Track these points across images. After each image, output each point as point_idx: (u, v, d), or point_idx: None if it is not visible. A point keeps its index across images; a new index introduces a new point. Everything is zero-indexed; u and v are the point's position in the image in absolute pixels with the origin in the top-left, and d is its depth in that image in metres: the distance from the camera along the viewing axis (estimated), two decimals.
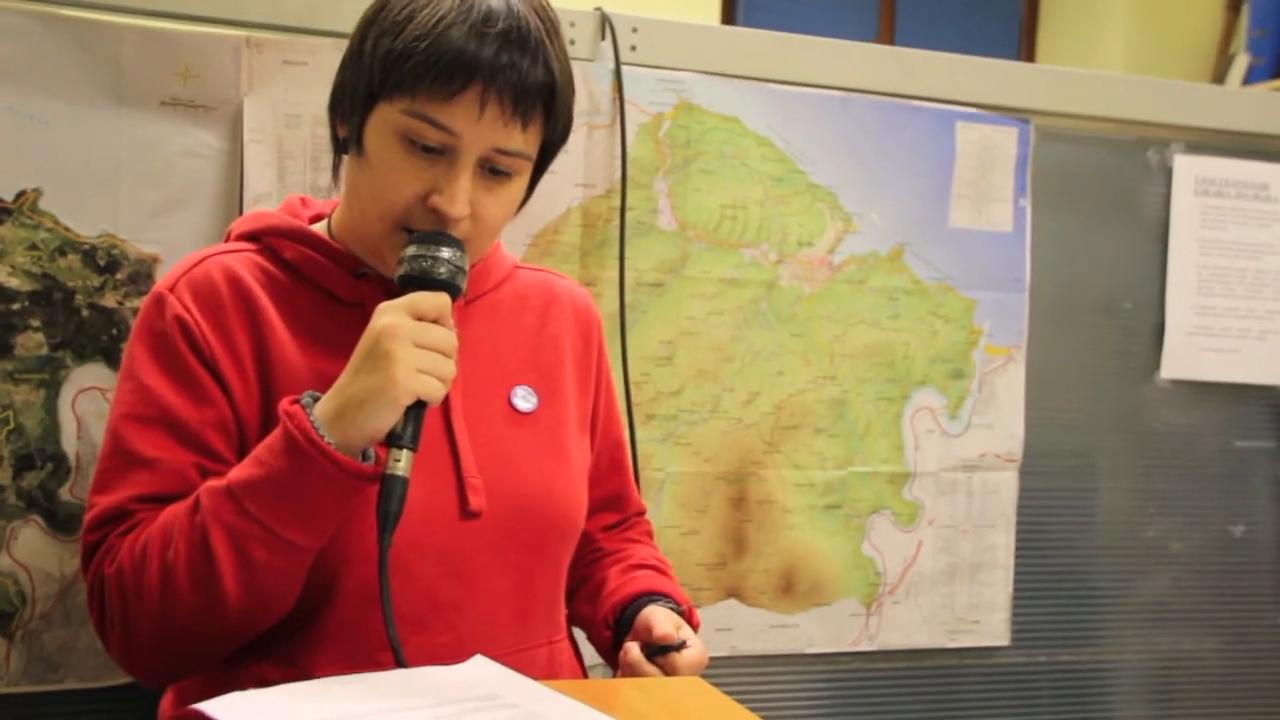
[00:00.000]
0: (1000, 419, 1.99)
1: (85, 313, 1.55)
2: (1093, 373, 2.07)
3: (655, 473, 1.82)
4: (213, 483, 1.14)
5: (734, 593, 1.87)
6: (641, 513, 1.55)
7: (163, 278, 1.27)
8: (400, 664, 1.13)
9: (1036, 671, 2.05)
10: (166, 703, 1.31)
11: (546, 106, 1.22)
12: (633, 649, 1.28)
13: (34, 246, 1.53)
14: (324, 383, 1.17)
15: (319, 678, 1.16)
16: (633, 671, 1.26)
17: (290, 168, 1.61)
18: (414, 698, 1.04)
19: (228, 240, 1.33)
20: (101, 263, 1.55)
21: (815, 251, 1.89)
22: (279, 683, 1.14)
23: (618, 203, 1.77)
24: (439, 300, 1.16)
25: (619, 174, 1.77)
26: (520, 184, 1.26)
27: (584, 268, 1.77)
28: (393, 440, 1.13)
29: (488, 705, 1.05)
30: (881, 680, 1.97)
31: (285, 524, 1.11)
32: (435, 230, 1.20)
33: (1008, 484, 2.00)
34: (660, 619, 1.29)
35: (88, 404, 1.54)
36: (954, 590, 1.99)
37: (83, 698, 1.57)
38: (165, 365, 1.21)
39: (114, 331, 1.55)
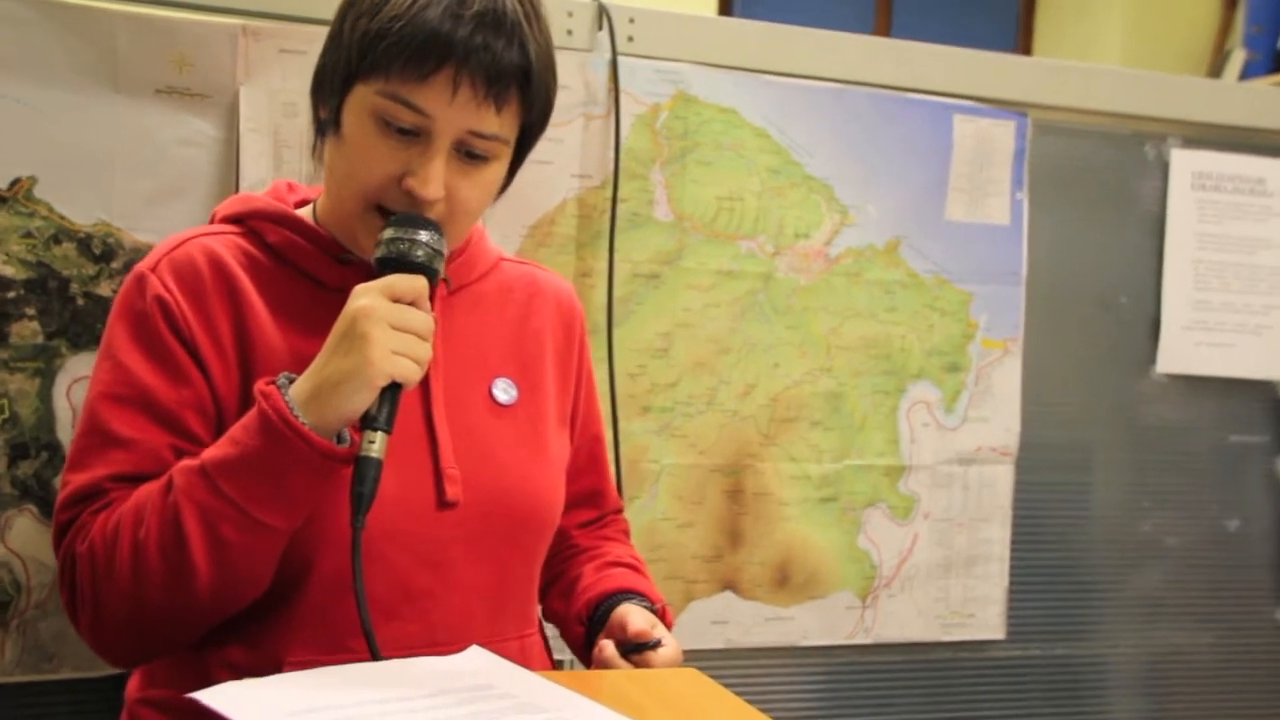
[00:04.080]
0: (996, 412, 1.99)
1: (80, 301, 1.54)
2: (1089, 367, 2.08)
3: (651, 465, 1.82)
4: (186, 462, 1.14)
5: (729, 585, 1.87)
6: (619, 510, 1.54)
7: (145, 258, 1.26)
8: (374, 651, 1.12)
9: (1031, 665, 2.06)
10: (133, 684, 1.30)
11: (522, 89, 1.21)
12: (607, 646, 1.27)
13: (29, 235, 1.52)
14: (304, 367, 1.16)
15: (290, 662, 1.17)
16: (608, 669, 1.25)
17: (287, 157, 1.61)
18: (409, 687, 1.04)
19: (212, 222, 1.33)
20: (97, 251, 1.55)
21: (812, 244, 1.89)
22: (249, 666, 1.15)
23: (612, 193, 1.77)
24: (415, 283, 1.16)
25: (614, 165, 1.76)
26: (498, 169, 1.25)
27: (580, 259, 1.76)
28: (368, 422, 1.12)
29: (483, 695, 1.05)
30: (877, 673, 1.97)
31: (257, 504, 1.11)
32: (413, 213, 1.19)
33: (1003, 477, 2.00)
34: (635, 617, 1.28)
35: (83, 393, 1.51)
36: (949, 583, 1.99)
37: (78, 687, 1.57)
38: (144, 345, 1.21)
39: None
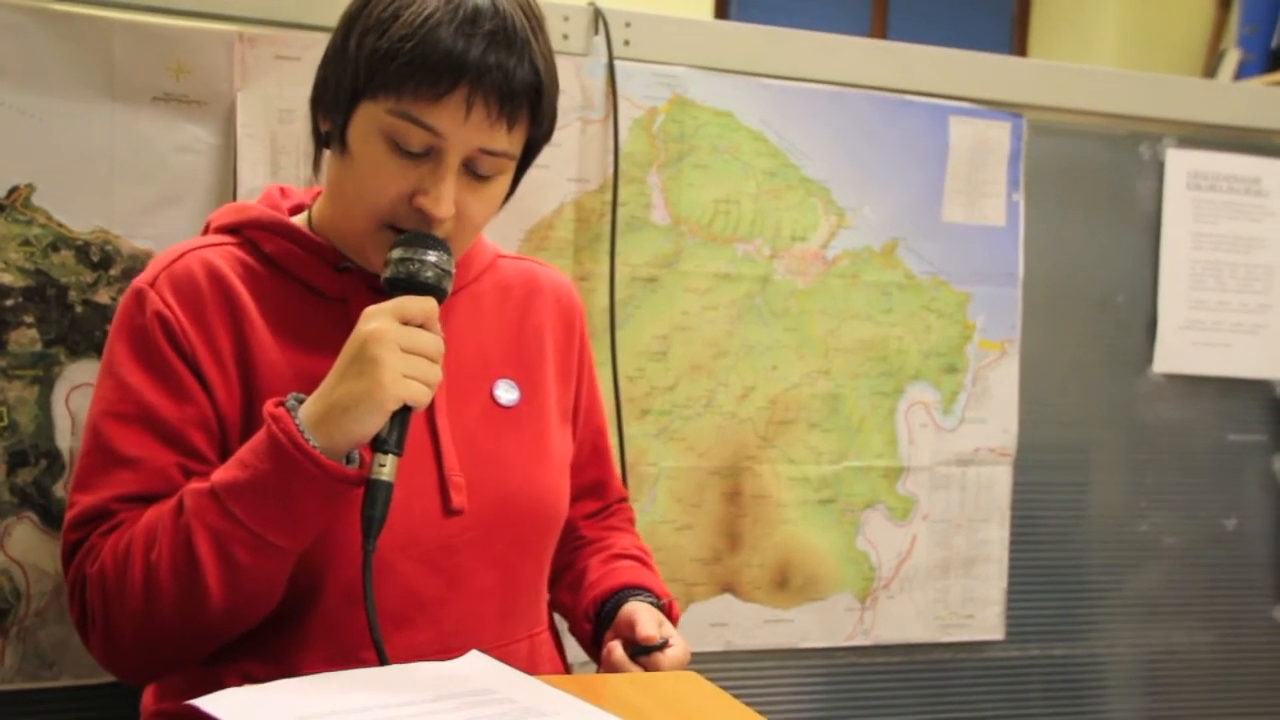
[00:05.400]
0: (994, 413, 2.00)
1: (79, 309, 1.54)
2: (1086, 367, 2.08)
3: (649, 468, 1.82)
4: (196, 484, 1.13)
5: (728, 588, 1.88)
6: (623, 499, 1.55)
7: (143, 272, 1.26)
8: (383, 664, 1.12)
9: (1030, 665, 2.06)
10: (149, 697, 1.31)
11: (532, 106, 1.21)
12: (616, 648, 1.28)
13: (27, 242, 1.52)
14: (306, 379, 1.16)
15: (303, 674, 1.16)
16: (616, 670, 1.26)
17: (283, 163, 1.61)
18: (410, 692, 1.04)
19: (206, 233, 1.32)
20: (95, 259, 1.55)
21: (809, 246, 1.89)
22: (264, 678, 1.14)
23: (611, 197, 1.77)
24: (425, 305, 1.16)
25: (613, 169, 1.77)
26: (504, 182, 1.26)
27: (577, 263, 1.77)
28: (378, 445, 1.12)
29: (483, 700, 1.05)
30: (876, 675, 1.98)
31: (269, 526, 1.11)
32: (421, 233, 1.19)
33: (1001, 478, 2.01)
34: (643, 618, 1.29)
35: (81, 400, 1.53)
36: (948, 584, 1.99)
37: (77, 695, 1.57)
38: (146, 362, 1.20)
39: (107, 328, 1.54)
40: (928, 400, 1.96)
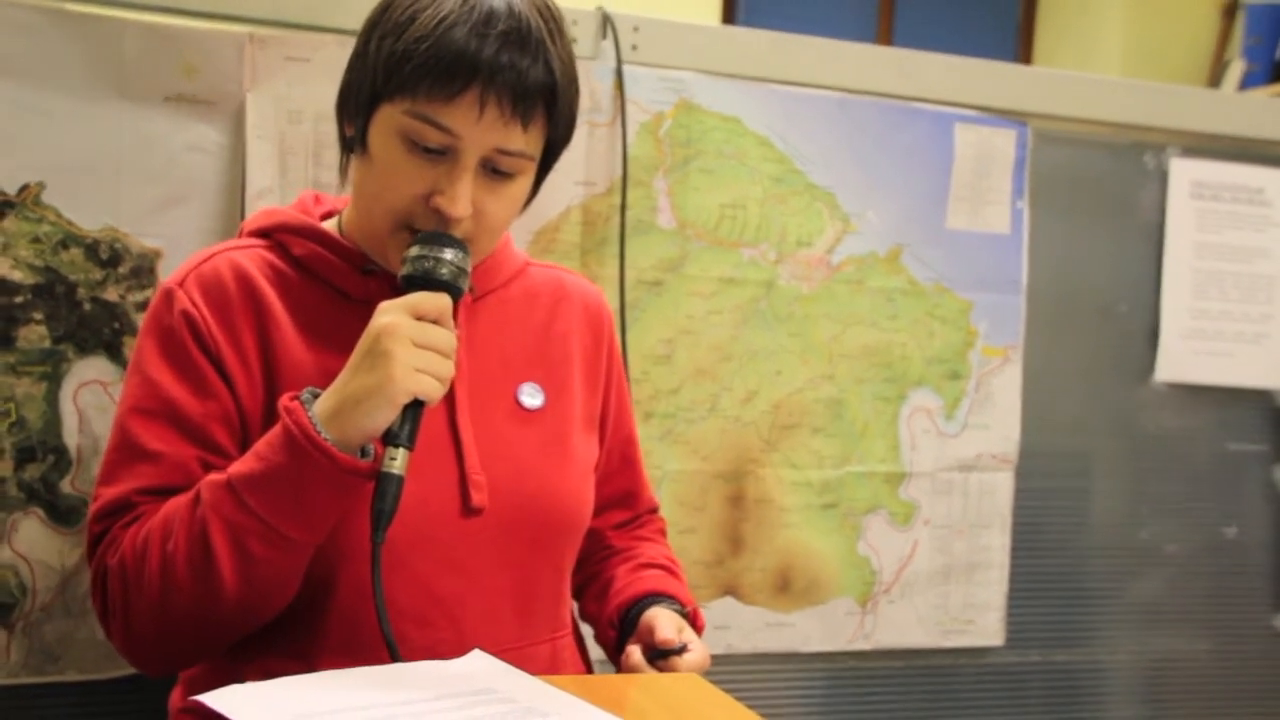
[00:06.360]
0: (996, 420, 2.00)
1: (87, 306, 1.55)
2: (1088, 375, 2.08)
3: (654, 471, 1.82)
4: (213, 476, 1.15)
5: (731, 591, 1.88)
6: (654, 510, 1.55)
7: (173, 273, 1.28)
8: (395, 660, 1.13)
9: (1030, 671, 2.06)
10: (176, 695, 1.32)
11: (548, 106, 1.22)
12: (634, 652, 1.29)
13: (37, 240, 1.53)
14: (330, 379, 1.17)
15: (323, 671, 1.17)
16: (631, 673, 1.27)
17: (292, 163, 1.62)
18: (412, 691, 1.05)
19: (240, 236, 1.34)
20: (104, 256, 1.56)
21: (814, 251, 1.90)
22: (285, 675, 1.15)
23: (618, 201, 1.78)
24: (440, 301, 1.17)
25: (620, 172, 1.78)
26: (524, 183, 1.27)
27: (584, 266, 1.77)
28: (390, 439, 1.13)
29: (484, 699, 1.05)
30: (876, 679, 1.98)
31: (283, 519, 1.12)
32: (439, 231, 1.20)
33: (1003, 485, 2.01)
34: (662, 622, 1.29)
35: (89, 397, 1.54)
36: (949, 590, 1.99)
37: (82, 689, 1.57)
38: (171, 360, 1.22)
39: (116, 325, 1.56)
40: (930, 406, 1.97)
